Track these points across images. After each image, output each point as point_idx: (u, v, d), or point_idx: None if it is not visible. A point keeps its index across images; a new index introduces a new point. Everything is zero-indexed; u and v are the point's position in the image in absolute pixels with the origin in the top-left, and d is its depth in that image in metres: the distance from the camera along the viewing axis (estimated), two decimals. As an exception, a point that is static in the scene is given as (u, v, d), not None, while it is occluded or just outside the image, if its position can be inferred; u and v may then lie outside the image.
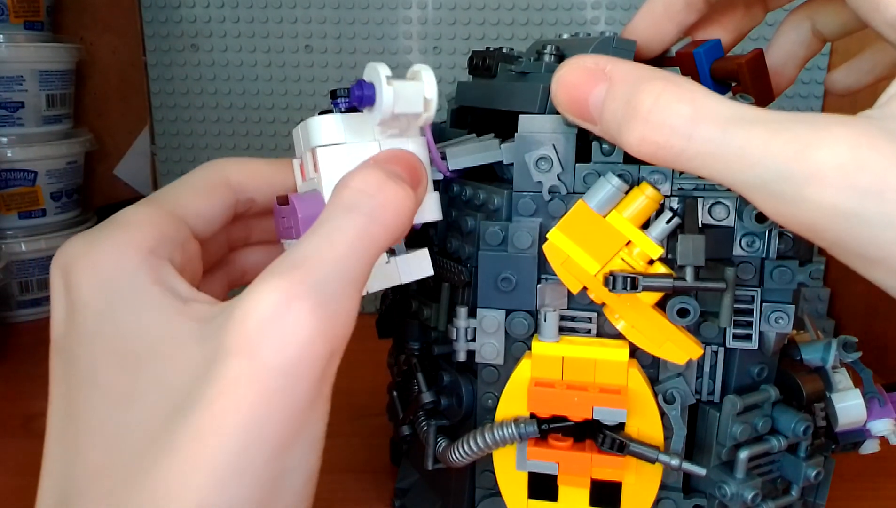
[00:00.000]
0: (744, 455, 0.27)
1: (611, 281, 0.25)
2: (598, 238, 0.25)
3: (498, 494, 0.29)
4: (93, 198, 0.71)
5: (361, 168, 0.22)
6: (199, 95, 0.60)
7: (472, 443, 0.28)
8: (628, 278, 0.24)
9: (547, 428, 0.27)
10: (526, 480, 0.28)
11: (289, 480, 0.20)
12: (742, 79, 0.28)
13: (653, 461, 0.26)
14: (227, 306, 0.20)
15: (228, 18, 0.59)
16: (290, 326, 0.19)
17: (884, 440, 0.31)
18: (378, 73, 0.23)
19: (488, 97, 0.31)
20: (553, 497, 0.28)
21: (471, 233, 0.28)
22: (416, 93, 0.24)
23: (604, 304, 0.26)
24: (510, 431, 0.27)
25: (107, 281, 0.21)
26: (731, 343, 0.27)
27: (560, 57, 0.28)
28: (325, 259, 0.20)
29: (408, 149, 0.25)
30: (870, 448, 0.31)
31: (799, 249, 0.27)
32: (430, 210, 0.26)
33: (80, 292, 0.21)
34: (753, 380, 0.28)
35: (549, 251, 0.26)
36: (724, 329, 0.27)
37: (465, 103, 0.34)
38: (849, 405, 0.29)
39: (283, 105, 0.60)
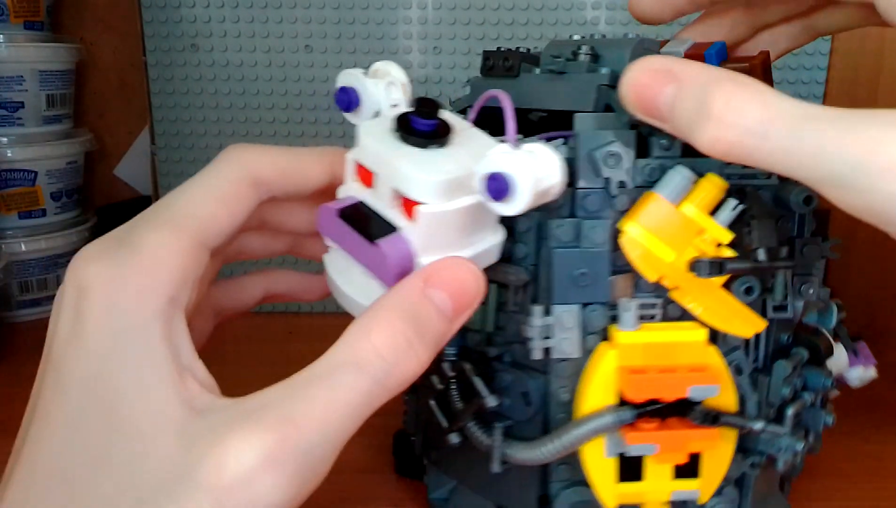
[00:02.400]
0: (790, 411, 0.30)
1: (698, 267, 0.27)
2: (674, 228, 0.27)
3: (576, 484, 0.30)
4: (93, 198, 0.71)
5: (389, 317, 0.21)
6: (199, 95, 0.60)
7: (565, 438, 0.28)
8: (715, 264, 0.26)
9: (643, 412, 0.28)
10: (615, 465, 0.29)
11: None
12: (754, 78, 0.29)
13: (743, 427, 0.28)
14: (213, 433, 0.19)
15: (228, 18, 0.59)
16: (263, 490, 0.18)
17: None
18: (528, 185, 0.22)
19: (520, 97, 0.31)
20: (638, 476, 0.29)
21: (528, 232, 0.29)
22: (551, 195, 0.24)
23: (669, 290, 0.28)
24: (609, 419, 0.28)
25: (121, 328, 0.20)
26: (770, 315, 0.29)
27: (595, 56, 0.29)
28: (320, 421, 0.19)
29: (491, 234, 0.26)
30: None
31: (819, 226, 0.31)
32: (493, 254, 0.26)
33: (93, 324, 0.20)
34: (782, 345, 0.31)
35: (627, 244, 0.27)
36: (764, 302, 0.29)
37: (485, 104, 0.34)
38: (838, 358, 0.34)
39: (283, 105, 0.60)
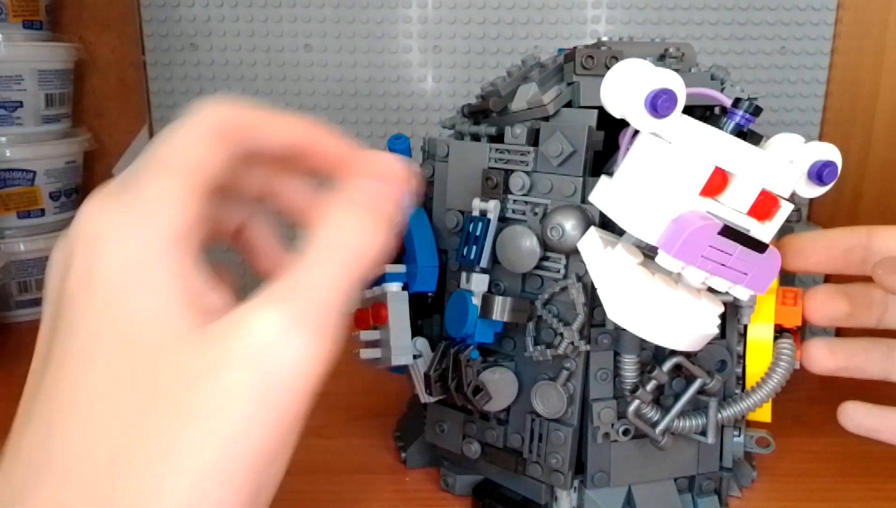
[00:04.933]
0: None
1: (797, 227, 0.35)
2: None
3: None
4: (92, 198, 0.71)
5: (350, 209, 0.23)
6: (198, 95, 0.60)
7: (776, 378, 0.32)
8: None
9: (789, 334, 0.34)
10: None
11: (263, 496, 0.20)
12: None
13: None
14: (232, 318, 0.20)
15: (228, 18, 0.59)
16: (294, 346, 0.20)
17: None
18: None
19: None
20: None
21: None
22: None
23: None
24: (792, 348, 0.32)
25: (133, 266, 0.21)
26: None
27: (682, 56, 0.33)
28: (323, 288, 0.21)
29: None
30: None
31: None
32: None
33: (106, 266, 0.21)
34: None
35: None
36: None
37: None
38: None
39: (283, 105, 0.60)
